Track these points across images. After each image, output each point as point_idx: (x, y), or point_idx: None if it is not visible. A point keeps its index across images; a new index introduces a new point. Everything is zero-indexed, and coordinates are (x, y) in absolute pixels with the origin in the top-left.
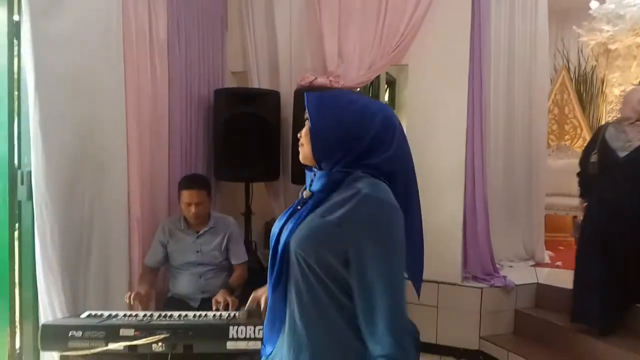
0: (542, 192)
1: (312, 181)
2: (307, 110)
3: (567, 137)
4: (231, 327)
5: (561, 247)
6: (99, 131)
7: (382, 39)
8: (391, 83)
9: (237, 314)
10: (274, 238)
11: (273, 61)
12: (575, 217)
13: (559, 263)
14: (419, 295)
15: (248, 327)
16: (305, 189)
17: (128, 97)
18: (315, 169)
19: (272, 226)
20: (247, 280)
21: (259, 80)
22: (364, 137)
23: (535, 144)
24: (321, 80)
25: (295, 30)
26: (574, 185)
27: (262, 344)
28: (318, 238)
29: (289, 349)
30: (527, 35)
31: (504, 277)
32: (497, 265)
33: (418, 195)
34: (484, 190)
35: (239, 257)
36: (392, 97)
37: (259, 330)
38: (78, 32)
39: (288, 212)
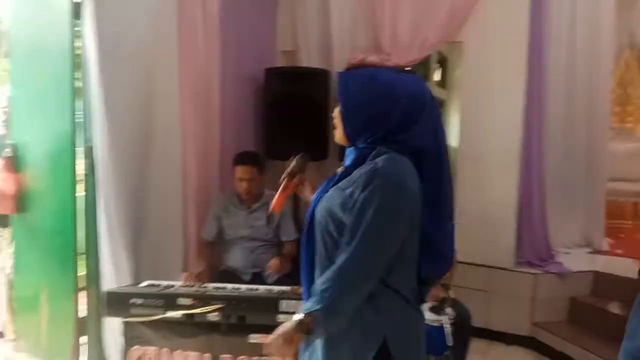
0: (603, 176)
1: (347, 157)
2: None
3: (630, 118)
4: (282, 301)
5: (622, 235)
6: (155, 107)
7: (435, 15)
8: (442, 61)
9: (287, 289)
10: (311, 207)
11: (324, 40)
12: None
13: (619, 251)
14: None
15: (298, 302)
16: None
17: (182, 74)
18: (350, 149)
19: None
20: (296, 257)
21: (309, 59)
22: (390, 115)
23: (596, 126)
24: (372, 59)
25: (348, 8)
26: (637, 170)
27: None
28: (334, 207)
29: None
30: (590, 12)
31: (560, 263)
32: (553, 251)
33: (451, 185)
34: (541, 172)
35: (289, 234)
36: (443, 75)
37: None
38: (136, 12)
39: (323, 186)
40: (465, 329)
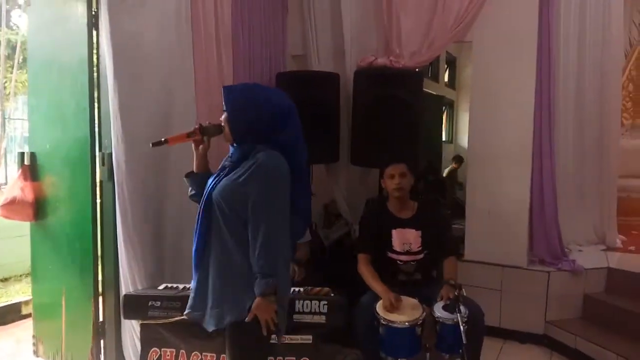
0: (614, 173)
1: (232, 153)
2: (223, 102)
3: None
4: (297, 301)
5: (634, 232)
6: (171, 114)
7: (444, 16)
8: (451, 62)
9: (301, 290)
10: (205, 194)
11: (334, 43)
12: None
13: (632, 247)
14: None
15: (313, 302)
16: (228, 158)
17: (197, 81)
18: (234, 145)
19: (331, 208)
20: (309, 259)
21: (319, 63)
22: (264, 123)
23: (607, 123)
24: (381, 61)
25: (357, 11)
26: None
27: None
28: (229, 193)
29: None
30: (599, 7)
31: (573, 260)
32: (566, 249)
33: (306, 166)
34: (552, 170)
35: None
36: (452, 75)
37: (323, 305)
38: (151, 22)
39: (216, 175)
40: (478, 328)
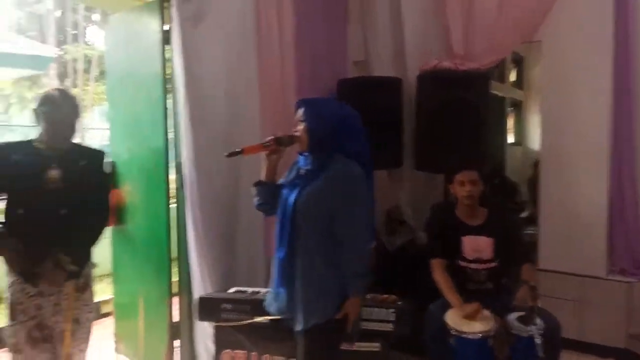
0: None
1: (307, 162)
2: (302, 115)
3: None
4: (364, 308)
5: None
6: (238, 124)
7: (512, 16)
8: (518, 61)
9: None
10: (283, 204)
11: (396, 47)
12: None
13: None
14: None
15: (380, 309)
16: (299, 167)
17: (261, 91)
18: (307, 154)
19: (394, 213)
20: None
21: (380, 68)
22: (340, 133)
23: None
24: (445, 64)
25: (419, 14)
26: None
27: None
28: (316, 202)
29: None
30: None
31: None
32: None
33: (372, 172)
34: (632, 172)
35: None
36: (519, 75)
37: (391, 312)
38: (218, 36)
39: (290, 184)
40: (555, 341)
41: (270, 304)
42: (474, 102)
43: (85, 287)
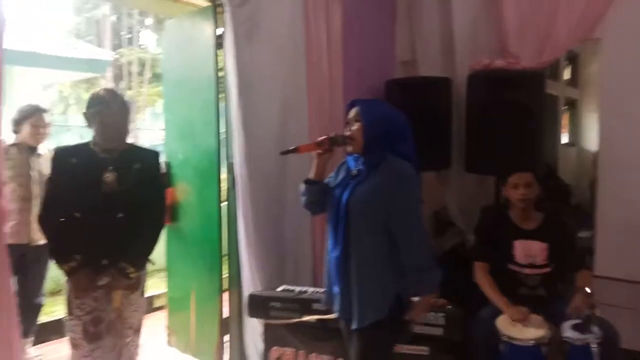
0: None
1: (358, 162)
2: (358, 115)
3: None
4: None
5: None
6: (287, 126)
7: (568, 12)
8: (572, 58)
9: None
10: (336, 204)
11: (444, 46)
12: None
13: None
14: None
15: (429, 314)
16: (349, 168)
17: (310, 93)
18: (356, 155)
19: (442, 215)
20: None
21: (428, 68)
22: (394, 134)
23: None
24: (498, 63)
25: (470, 11)
26: None
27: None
28: (372, 200)
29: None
30: None
31: None
32: None
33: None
34: None
35: None
36: (574, 73)
37: (440, 317)
38: (269, 42)
39: (340, 184)
40: (613, 351)
41: (328, 303)
42: (528, 102)
43: (135, 287)
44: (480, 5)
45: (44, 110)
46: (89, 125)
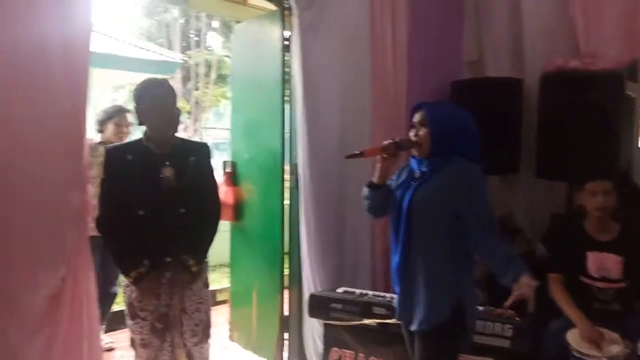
0: None
1: (422, 164)
2: (424, 119)
3: None
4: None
5: None
6: (350, 131)
7: None
8: None
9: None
10: (398, 205)
11: (514, 47)
12: None
13: None
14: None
15: (495, 324)
16: (412, 170)
17: (373, 95)
18: (421, 158)
19: (507, 220)
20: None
21: (495, 69)
22: (461, 136)
23: None
24: (573, 64)
25: (542, 10)
26: None
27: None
28: (438, 199)
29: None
30: None
31: None
32: None
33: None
34: None
35: None
36: None
37: (507, 328)
38: (335, 43)
39: (402, 185)
40: None
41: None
42: (607, 105)
43: (195, 278)
44: (552, 2)
45: (127, 110)
46: (140, 119)
